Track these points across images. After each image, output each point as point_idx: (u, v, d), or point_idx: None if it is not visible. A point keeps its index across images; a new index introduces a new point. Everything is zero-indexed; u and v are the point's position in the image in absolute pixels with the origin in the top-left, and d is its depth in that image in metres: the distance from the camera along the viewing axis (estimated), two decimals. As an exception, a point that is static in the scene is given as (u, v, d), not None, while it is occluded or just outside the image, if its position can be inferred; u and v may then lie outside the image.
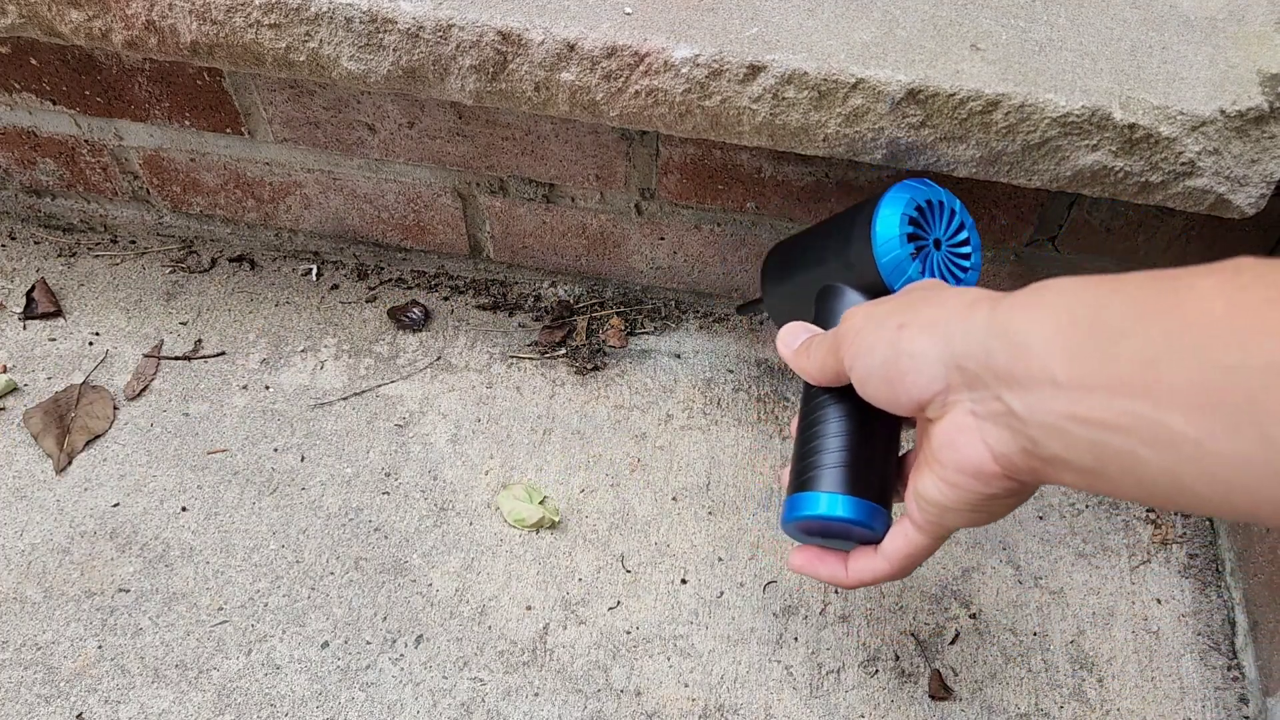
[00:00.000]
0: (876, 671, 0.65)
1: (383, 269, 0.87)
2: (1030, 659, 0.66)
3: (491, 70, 0.57)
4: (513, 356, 0.81)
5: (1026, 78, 0.54)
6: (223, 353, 0.81)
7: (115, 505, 0.72)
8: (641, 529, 0.71)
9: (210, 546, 0.70)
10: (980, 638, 0.67)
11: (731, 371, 0.81)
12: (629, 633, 0.67)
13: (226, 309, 0.83)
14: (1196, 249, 0.69)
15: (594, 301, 0.85)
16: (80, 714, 0.62)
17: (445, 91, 0.60)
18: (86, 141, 0.79)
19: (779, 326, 0.55)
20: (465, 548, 0.70)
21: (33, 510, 0.71)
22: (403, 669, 0.65)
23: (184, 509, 0.71)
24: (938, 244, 0.53)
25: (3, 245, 0.88)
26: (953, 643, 0.67)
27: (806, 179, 0.70)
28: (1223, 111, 0.52)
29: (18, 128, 0.79)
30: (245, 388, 0.78)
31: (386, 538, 0.70)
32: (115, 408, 0.77)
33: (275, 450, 0.75)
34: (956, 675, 0.65)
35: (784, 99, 0.55)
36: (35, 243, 0.88)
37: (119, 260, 0.87)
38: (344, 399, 0.78)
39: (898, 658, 0.66)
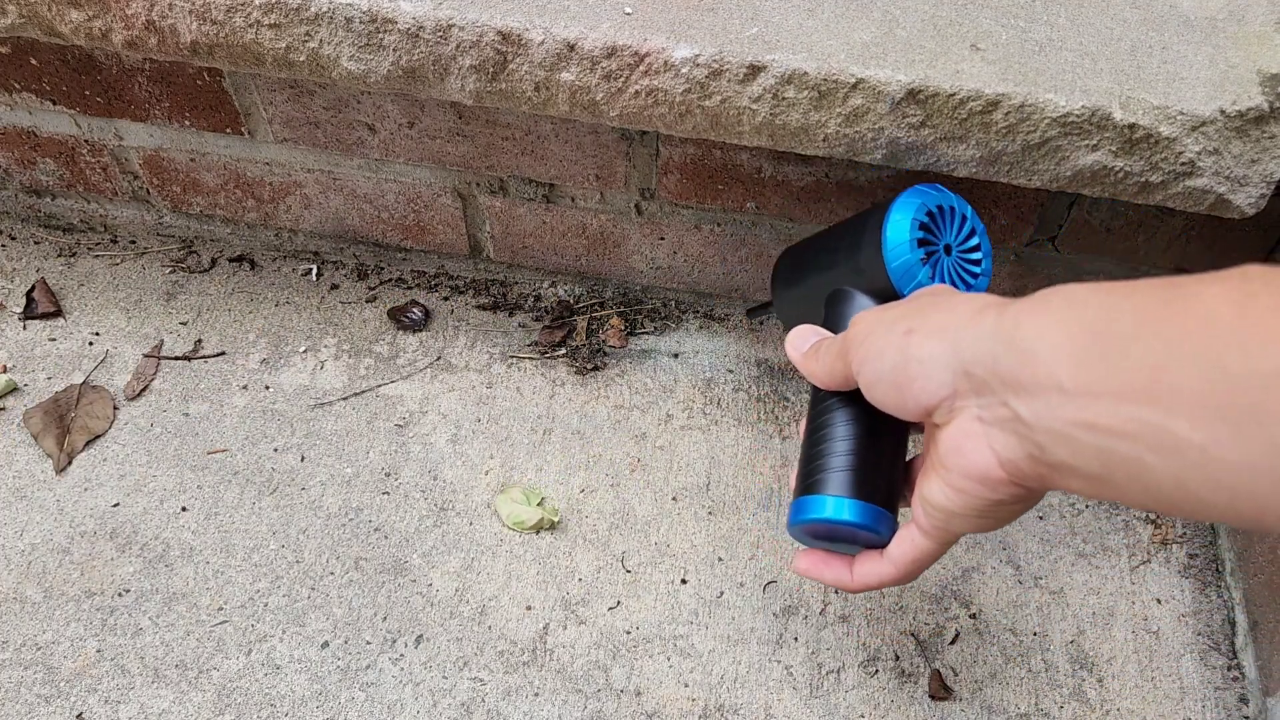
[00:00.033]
0: (876, 671, 0.65)
1: (383, 269, 0.87)
2: (1030, 659, 0.66)
3: (491, 70, 0.57)
4: (513, 356, 0.81)
5: (1026, 78, 0.54)
6: (223, 353, 0.81)
7: (115, 505, 0.72)
8: (641, 529, 0.71)
9: (210, 546, 0.70)
10: (980, 638, 0.67)
11: (731, 371, 0.81)
12: (629, 633, 0.67)
13: (226, 309, 0.83)
14: (1196, 249, 0.69)
15: (594, 301, 0.85)
16: (80, 714, 0.62)
17: (445, 91, 0.60)
18: (86, 141, 0.79)
19: (788, 330, 0.54)
20: (465, 548, 0.70)
21: (33, 510, 0.71)
22: (403, 669, 0.65)
23: (184, 509, 0.71)
24: (948, 250, 0.53)
25: (3, 245, 0.88)
26: (953, 643, 0.67)
27: (806, 179, 0.70)
28: (1223, 111, 0.52)
29: (18, 128, 0.79)
30: (245, 388, 0.78)
31: (386, 538, 0.70)
32: (115, 408, 0.77)
33: (275, 450, 0.75)
34: (956, 675, 0.65)
35: (784, 99, 0.55)
36: (35, 243, 0.88)
37: (119, 260, 0.87)
38: (344, 399, 0.78)
39: (898, 658, 0.66)
